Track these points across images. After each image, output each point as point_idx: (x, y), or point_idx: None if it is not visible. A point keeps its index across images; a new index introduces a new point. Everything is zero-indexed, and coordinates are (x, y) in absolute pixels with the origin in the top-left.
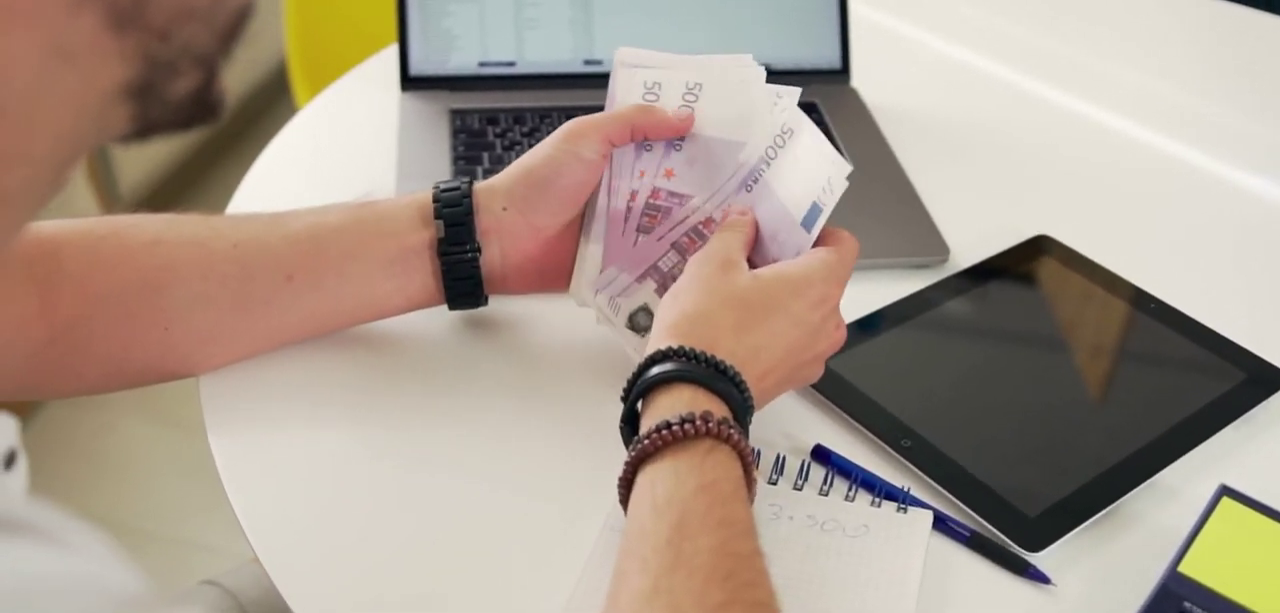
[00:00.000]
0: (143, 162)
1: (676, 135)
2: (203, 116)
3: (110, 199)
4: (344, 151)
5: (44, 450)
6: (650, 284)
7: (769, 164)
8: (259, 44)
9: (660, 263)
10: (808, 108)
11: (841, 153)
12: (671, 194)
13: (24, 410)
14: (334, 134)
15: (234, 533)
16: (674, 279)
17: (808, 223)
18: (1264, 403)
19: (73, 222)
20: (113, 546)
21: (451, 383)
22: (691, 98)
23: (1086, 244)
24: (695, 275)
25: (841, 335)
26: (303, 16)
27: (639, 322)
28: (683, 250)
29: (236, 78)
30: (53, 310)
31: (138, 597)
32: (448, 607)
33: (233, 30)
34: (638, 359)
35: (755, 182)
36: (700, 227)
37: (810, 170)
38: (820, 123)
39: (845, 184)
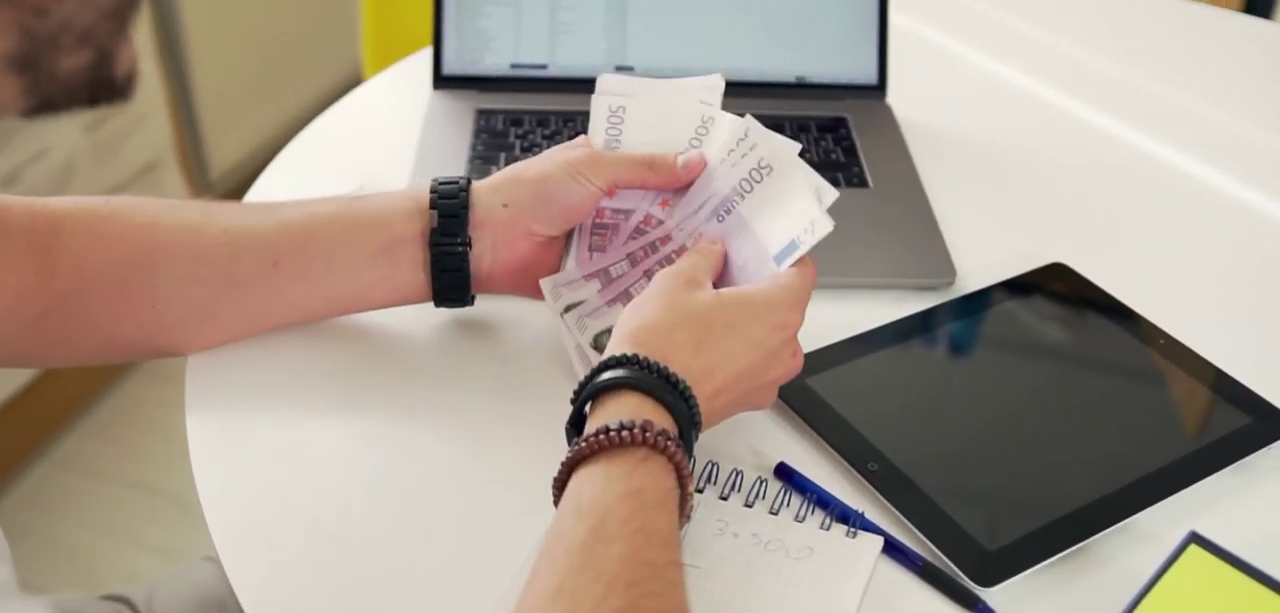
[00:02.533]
0: (233, 149)
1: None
2: (107, 95)
3: (201, 186)
4: (367, 146)
5: (119, 423)
6: (619, 308)
7: (743, 197)
8: (341, 43)
9: (632, 289)
10: (837, 123)
11: (865, 173)
12: (654, 221)
13: (102, 384)
14: (362, 129)
15: None
16: None
17: (781, 258)
18: (1265, 449)
19: (78, 198)
20: None
21: (432, 383)
22: (703, 131)
23: (1108, 274)
24: (659, 289)
25: (797, 364)
26: (378, 16)
27: (602, 342)
28: (653, 277)
29: (324, 75)
30: (50, 283)
31: None
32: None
33: (120, 10)
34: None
35: (728, 212)
36: (673, 255)
37: (796, 210)
38: (846, 137)
39: (828, 227)
